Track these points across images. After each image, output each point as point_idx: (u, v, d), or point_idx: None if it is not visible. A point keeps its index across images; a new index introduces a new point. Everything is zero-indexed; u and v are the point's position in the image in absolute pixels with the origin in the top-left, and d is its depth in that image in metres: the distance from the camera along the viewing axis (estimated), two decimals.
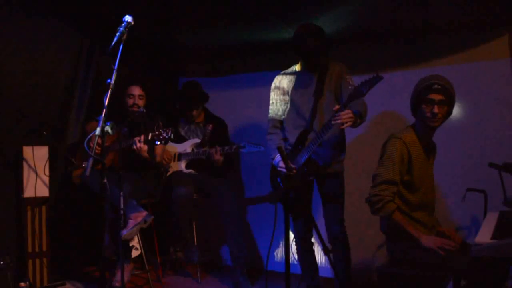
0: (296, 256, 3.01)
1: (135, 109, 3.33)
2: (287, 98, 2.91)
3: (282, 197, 2.09)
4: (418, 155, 2.26)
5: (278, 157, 2.83)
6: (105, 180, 2.16)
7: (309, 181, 2.86)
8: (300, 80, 2.87)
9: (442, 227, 2.42)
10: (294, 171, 2.60)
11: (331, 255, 2.01)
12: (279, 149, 2.23)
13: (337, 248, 2.84)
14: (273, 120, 2.99)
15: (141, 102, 3.38)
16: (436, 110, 2.18)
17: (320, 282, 3.01)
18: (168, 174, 3.58)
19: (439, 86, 2.18)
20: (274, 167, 2.92)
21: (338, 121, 2.45)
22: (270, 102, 3.00)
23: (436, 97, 2.18)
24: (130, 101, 3.35)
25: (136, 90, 3.37)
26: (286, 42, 3.80)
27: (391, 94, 3.51)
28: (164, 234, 3.83)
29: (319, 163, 2.76)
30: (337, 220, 2.84)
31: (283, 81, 2.95)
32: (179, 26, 3.51)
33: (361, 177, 3.44)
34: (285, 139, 2.94)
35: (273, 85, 2.99)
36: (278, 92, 2.95)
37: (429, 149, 2.38)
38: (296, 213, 2.88)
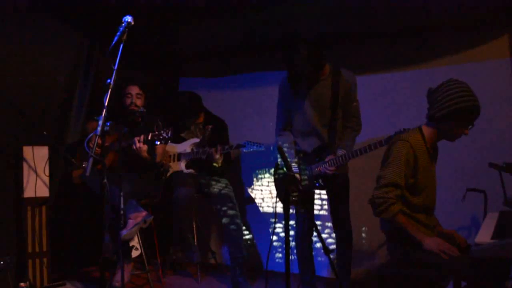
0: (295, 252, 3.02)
1: (134, 108, 3.32)
2: (294, 102, 2.85)
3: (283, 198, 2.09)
4: (423, 159, 2.24)
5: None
6: (105, 180, 2.16)
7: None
8: (309, 86, 2.79)
9: (442, 228, 2.42)
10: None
11: (331, 255, 2.01)
12: (279, 149, 2.24)
13: (342, 247, 2.88)
14: (281, 122, 2.96)
15: (139, 101, 3.37)
16: (467, 132, 2.16)
17: (316, 282, 3.02)
18: (168, 174, 3.58)
19: (479, 113, 2.13)
20: (278, 167, 2.93)
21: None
22: (277, 104, 2.95)
23: (473, 121, 2.14)
24: (128, 101, 3.34)
25: (134, 89, 3.36)
26: (286, 42, 3.80)
27: (392, 94, 3.51)
28: (164, 234, 3.83)
29: (333, 177, 2.77)
30: (344, 219, 2.88)
31: (291, 84, 2.80)
32: (179, 21, 3.49)
33: (361, 178, 3.43)
34: (295, 142, 2.94)
35: (280, 87, 2.91)
36: (285, 96, 2.88)
37: (433, 153, 2.37)
38: (300, 213, 2.89)
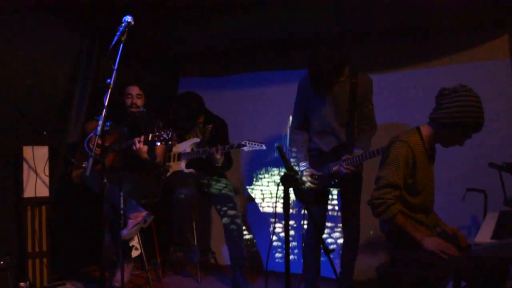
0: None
1: (134, 109, 3.33)
2: (312, 102, 2.86)
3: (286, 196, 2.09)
4: (422, 159, 2.25)
5: (303, 165, 2.89)
6: (105, 180, 2.16)
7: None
8: (329, 87, 2.80)
9: (444, 225, 2.42)
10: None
11: (331, 255, 2.02)
12: (279, 149, 2.23)
13: (348, 246, 2.90)
14: (296, 121, 2.97)
15: (139, 102, 3.38)
16: (463, 144, 2.18)
17: (319, 282, 3.02)
18: (169, 174, 3.58)
19: (481, 129, 2.13)
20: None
21: None
22: (295, 102, 2.97)
23: (472, 134, 2.16)
24: (129, 101, 3.35)
25: (134, 90, 3.37)
26: (286, 42, 3.81)
27: (392, 93, 3.51)
28: (164, 234, 3.83)
29: (348, 176, 2.78)
30: (354, 218, 2.90)
31: (311, 84, 2.79)
32: (179, 21, 3.48)
33: (365, 177, 3.44)
34: (309, 140, 2.96)
35: (299, 86, 2.93)
36: (303, 95, 2.90)
37: (431, 153, 2.37)
38: (314, 209, 2.91)
